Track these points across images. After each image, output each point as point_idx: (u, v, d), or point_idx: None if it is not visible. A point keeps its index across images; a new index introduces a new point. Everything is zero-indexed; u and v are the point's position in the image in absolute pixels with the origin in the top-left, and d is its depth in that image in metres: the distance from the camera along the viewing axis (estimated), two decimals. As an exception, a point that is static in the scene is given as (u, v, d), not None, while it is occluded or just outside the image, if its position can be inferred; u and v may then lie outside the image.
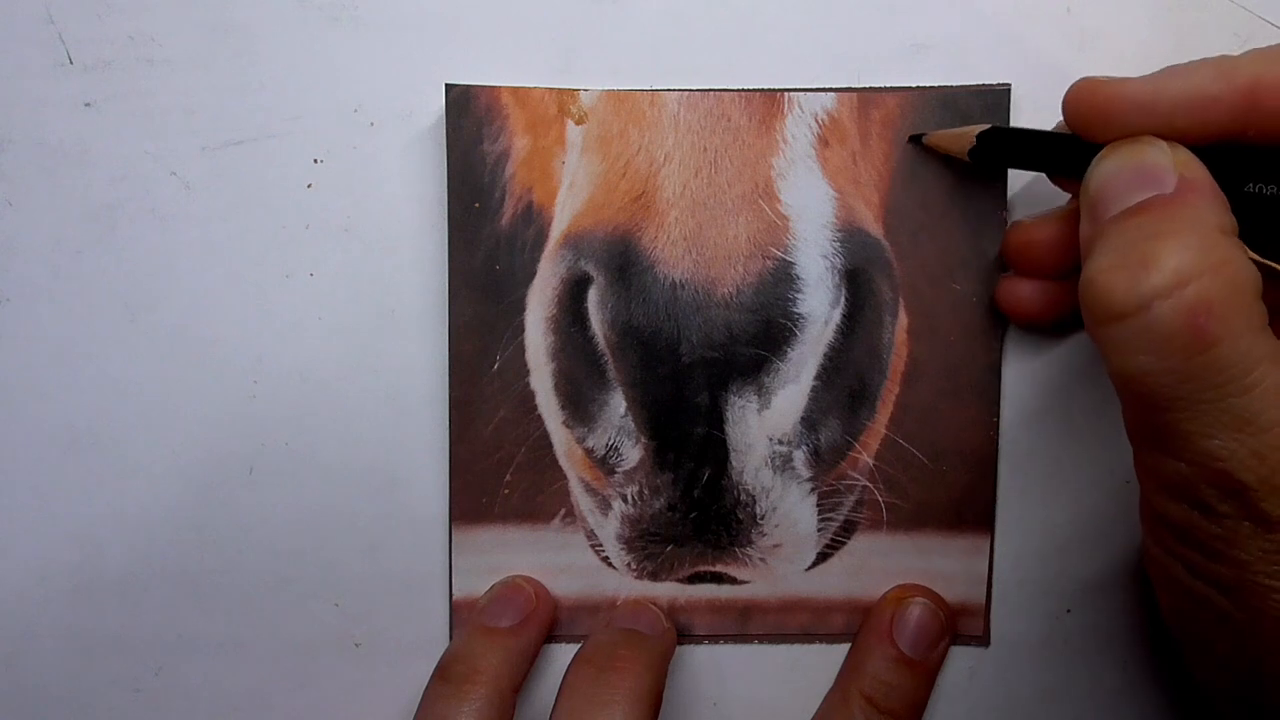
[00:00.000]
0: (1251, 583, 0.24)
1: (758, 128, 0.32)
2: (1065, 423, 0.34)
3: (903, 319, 0.33)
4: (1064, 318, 0.32)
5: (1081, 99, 0.27)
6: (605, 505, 0.33)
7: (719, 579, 0.34)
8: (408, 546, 0.34)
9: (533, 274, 0.32)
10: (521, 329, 0.32)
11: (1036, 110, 0.32)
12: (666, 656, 0.32)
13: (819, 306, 0.32)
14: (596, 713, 0.29)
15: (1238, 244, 0.25)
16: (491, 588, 0.33)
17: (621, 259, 0.32)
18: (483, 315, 0.32)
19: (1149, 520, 0.27)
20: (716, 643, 0.34)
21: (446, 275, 0.32)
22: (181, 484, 0.34)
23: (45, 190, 0.33)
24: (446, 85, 0.32)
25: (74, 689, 0.34)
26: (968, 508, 0.33)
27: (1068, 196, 0.31)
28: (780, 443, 0.32)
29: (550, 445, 0.33)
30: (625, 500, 0.33)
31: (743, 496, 0.33)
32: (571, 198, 0.32)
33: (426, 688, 0.30)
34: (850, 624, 0.34)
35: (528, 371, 0.33)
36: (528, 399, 0.33)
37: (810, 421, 0.32)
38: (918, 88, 0.32)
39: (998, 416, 0.33)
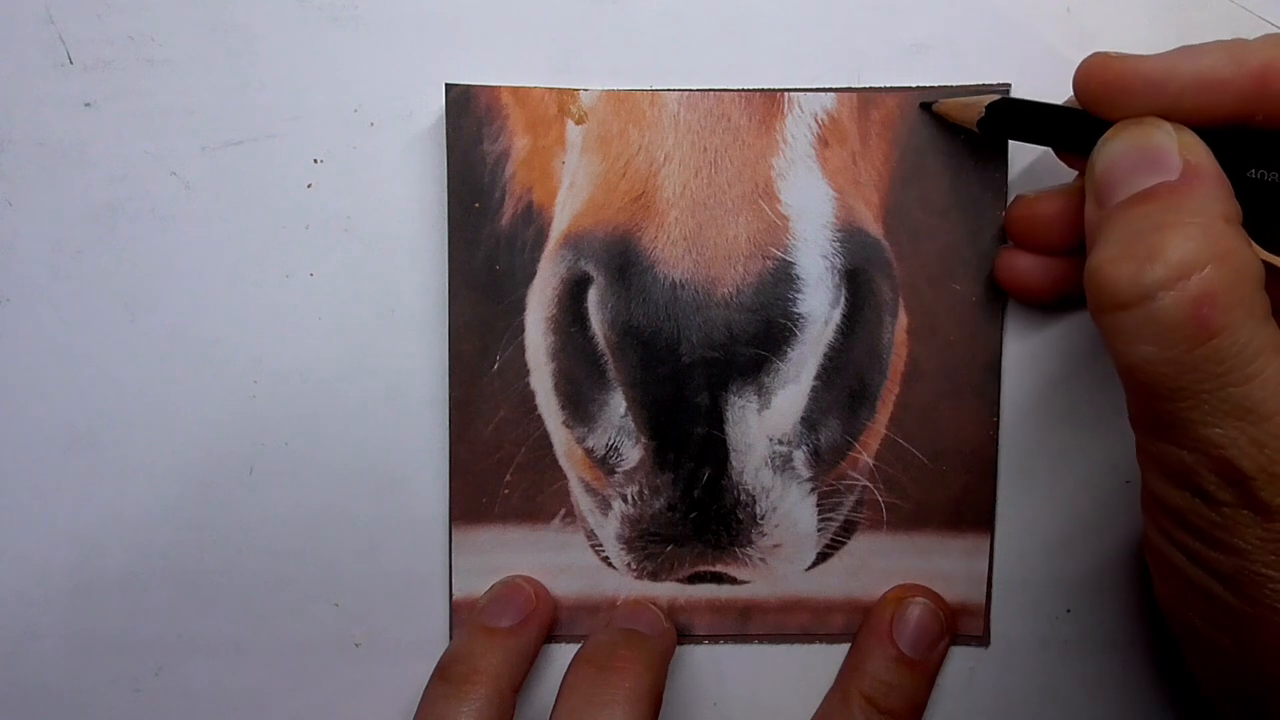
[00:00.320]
0: (1249, 571, 0.24)
1: (758, 128, 0.32)
2: (1065, 423, 0.34)
3: (903, 319, 0.33)
4: (1062, 294, 0.31)
5: (1093, 74, 0.27)
6: (605, 505, 0.33)
7: (719, 579, 0.34)
8: (408, 546, 0.34)
9: (533, 274, 0.32)
10: (521, 329, 0.32)
11: (1036, 110, 0.32)
12: (666, 656, 0.32)
13: (819, 306, 0.32)
14: (596, 713, 0.29)
15: (1241, 233, 0.25)
16: (491, 588, 0.33)
17: (621, 259, 0.32)
18: (483, 315, 0.32)
19: (1150, 507, 0.27)
20: (716, 643, 0.34)
21: (446, 275, 0.32)
22: (181, 484, 0.34)
23: (45, 190, 0.33)
24: (446, 85, 0.32)
25: (74, 689, 0.34)
26: (968, 508, 0.33)
27: (1067, 178, 0.31)
28: (780, 443, 0.32)
29: (550, 445, 0.33)
30: (625, 500, 0.33)
31: (743, 496, 0.33)
32: (571, 198, 0.32)
33: (426, 688, 0.30)
34: (850, 624, 0.34)
35: (528, 371, 0.33)
36: (528, 399, 0.33)
37: (810, 421, 0.32)
38: (918, 88, 0.32)
39: (998, 416, 0.33)
